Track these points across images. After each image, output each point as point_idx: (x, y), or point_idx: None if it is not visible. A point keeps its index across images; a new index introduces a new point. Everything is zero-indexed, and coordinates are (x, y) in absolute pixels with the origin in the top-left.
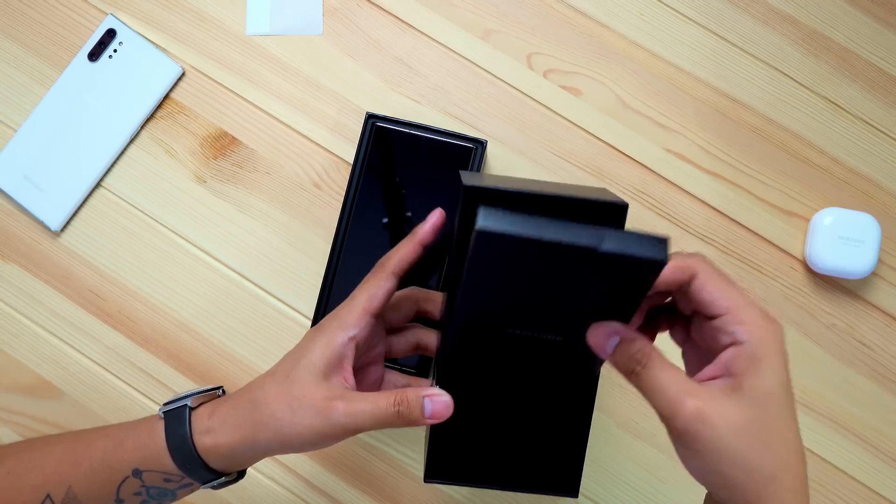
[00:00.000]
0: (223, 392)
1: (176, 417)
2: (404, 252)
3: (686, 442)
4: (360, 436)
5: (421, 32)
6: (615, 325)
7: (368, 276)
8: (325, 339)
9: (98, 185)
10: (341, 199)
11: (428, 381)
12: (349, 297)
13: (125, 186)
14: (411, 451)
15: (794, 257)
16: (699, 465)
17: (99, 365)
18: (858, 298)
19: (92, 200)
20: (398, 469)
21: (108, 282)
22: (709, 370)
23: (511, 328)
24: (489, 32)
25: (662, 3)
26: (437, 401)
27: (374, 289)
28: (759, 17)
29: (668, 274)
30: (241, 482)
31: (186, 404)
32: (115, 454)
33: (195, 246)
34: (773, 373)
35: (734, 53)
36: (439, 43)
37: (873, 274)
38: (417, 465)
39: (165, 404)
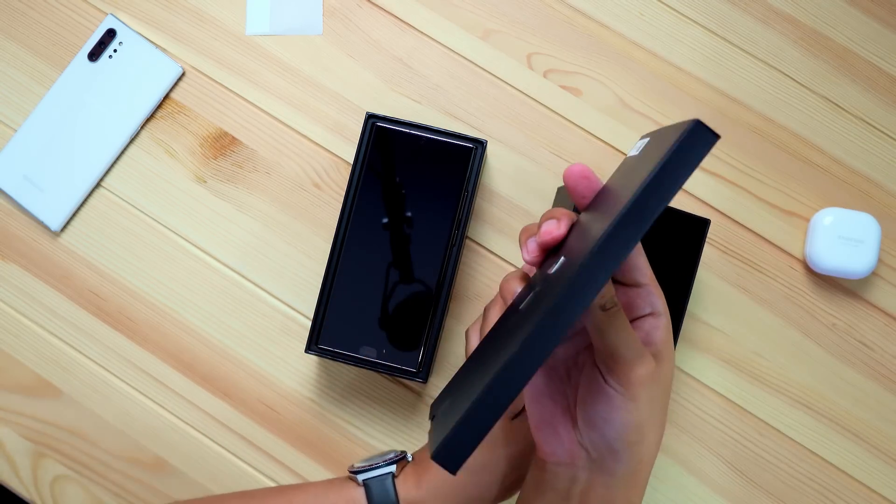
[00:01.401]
0: (411, 457)
1: (380, 487)
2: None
3: (621, 389)
4: (362, 436)
5: (421, 32)
6: None
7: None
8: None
9: (98, 185)
10: (341, 199)
11: None
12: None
13: (125, 186)
14: (412, 448)
15: (794, 257)
16: (610, 406)
17: (99, 365)
18: (858, 298)
19: (92, 200)
20: None
21: (108, 282)
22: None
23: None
24: (489, 32)
25: (662, 3)
26: None
27: None
28: (759, 17)
29: None
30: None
31: (391, 472)
32: None
33: (195, 246)
34: (673, 355)
35: (734, 53)
36: (439, 43)
37: (873, 274)
38: None
39: (359, 471)
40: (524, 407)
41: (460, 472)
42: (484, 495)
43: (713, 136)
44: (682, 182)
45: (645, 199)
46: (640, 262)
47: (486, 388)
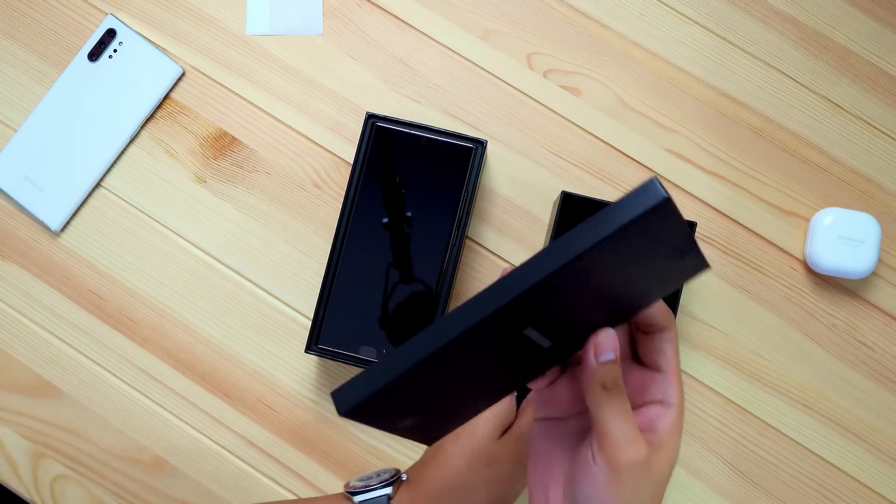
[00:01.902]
0: (405, 476)
1: None
2: None
3: (606, 470)
4: (362, 436)
5: (421, 32)
6: (616, 341)
7: None
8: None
9: (98, 185)
10: (341, 199)
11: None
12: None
13: (125, 186)
14: (412, 452)
15: (794, 257)
16: (594, 486)
17: (99, 365)
18: (858, 298)
19: (92, 200)
20: None
21: (108, 282)
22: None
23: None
24: (489, 32)
25: (662, 3)
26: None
27: None
28: (759, 17)
29: (661, 313)
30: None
31: (387, 494)
32: None
33: (195, 246)
34: (676, 450)
35: (734, 53)
36: (439, 43)
37: (873, 274)
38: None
39: (355, 492)
40: (512, 424)
41: (451, 492)
42: None
43: (661, 195)
44: (593, 238)
45: (562, 240)
46: (666, 349)
47: (389, 354)
